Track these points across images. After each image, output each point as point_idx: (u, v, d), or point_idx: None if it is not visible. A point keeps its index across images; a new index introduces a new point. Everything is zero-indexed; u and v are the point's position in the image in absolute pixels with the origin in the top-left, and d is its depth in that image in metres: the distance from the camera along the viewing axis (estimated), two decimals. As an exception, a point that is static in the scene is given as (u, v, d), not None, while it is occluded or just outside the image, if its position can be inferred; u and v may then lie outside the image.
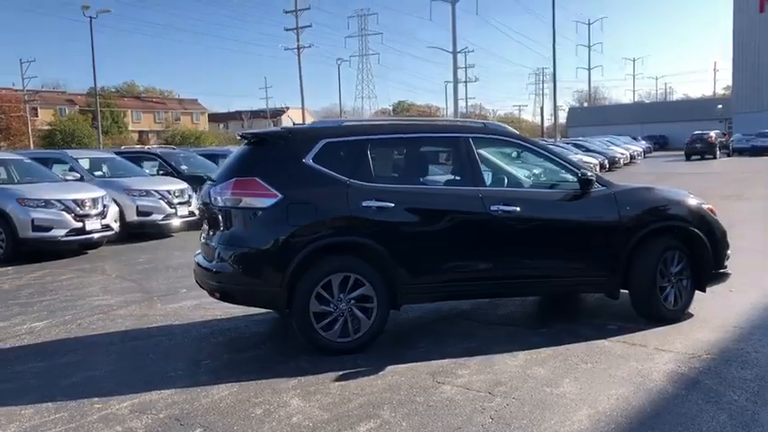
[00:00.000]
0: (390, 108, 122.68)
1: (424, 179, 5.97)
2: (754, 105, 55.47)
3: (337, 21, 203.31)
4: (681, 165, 37.33)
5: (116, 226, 12.10)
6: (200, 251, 6.19)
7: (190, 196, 14.05)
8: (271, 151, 5.61)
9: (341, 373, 4.98)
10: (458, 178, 5.86)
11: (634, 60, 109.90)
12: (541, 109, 76.73)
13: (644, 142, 54.52)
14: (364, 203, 5.46)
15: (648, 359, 5.09)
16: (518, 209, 5.71)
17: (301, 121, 56.31)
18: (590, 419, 4.03)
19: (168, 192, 13.75)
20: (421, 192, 5.76)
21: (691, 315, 6.19)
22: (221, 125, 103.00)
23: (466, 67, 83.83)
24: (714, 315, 6.18)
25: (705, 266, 6.21)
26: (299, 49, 65.06)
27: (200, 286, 6.01)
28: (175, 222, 13.77)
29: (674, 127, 69.81)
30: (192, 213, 13.85)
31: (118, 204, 12.49)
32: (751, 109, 55.44)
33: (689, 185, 19.86)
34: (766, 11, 56.23)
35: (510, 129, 6.31)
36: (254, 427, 4.07)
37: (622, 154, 37.81)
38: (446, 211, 5.66)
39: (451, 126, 6.25)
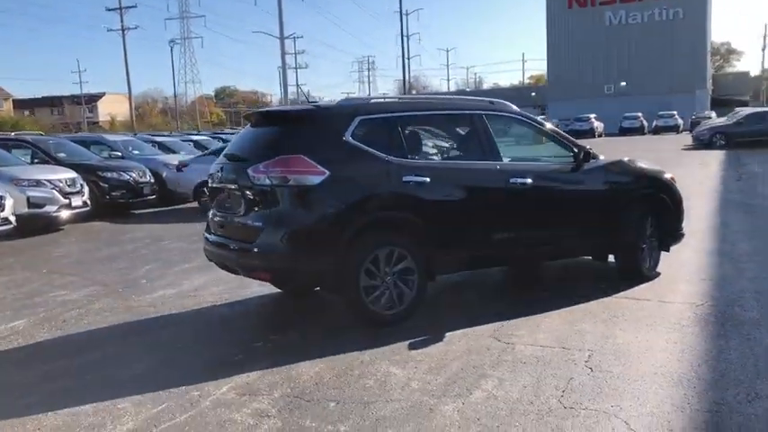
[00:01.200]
0: (213, 93, 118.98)
1: (450, 154, 6.21)
2: (567, 93, 61.06)
3: (160, 2, 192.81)
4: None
5: (13, 219, 10.97)
6: (214, 232, 6.00)
7: (81, 185, 13.04)
8: (310, 128, 5.56)
9: (407, 342, 5.13)
10: (478, 153, 6.17)
11: (447, 51, 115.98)
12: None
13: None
14: (405, 179, 5.61)
15: (663, 309, 5.76)
16: (530, 180, 6.16)
17: (130, 105, 52.13)
18: (672, 360, 4.57)
19: (60, 181, 12.65)
20: (451, 167, 6.01)
21: (659, 273, 6.98)
22: (27, 112, 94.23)
23: (296, 53, 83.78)
24: (676, 272, 7.04)
25: (670, 229, 7.07)
26: (123, 30, 61.34)
27: (228, 269, 5.85)
28: (66, 214, 12.72)
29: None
30: (85, 204, 12.92)
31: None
32: (564, 96, 61.00)
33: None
34: (574, 7, 61.95)
35: (513, 106, 6.73)
36: (385, 396, 4.14)
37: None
38: (473, 185, 5.97)
39: (468, 103, 6.52)
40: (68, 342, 5.63)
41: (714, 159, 23.07)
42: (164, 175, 16.22)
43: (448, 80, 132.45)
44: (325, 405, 4.06)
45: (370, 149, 5.58)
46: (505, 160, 6.34)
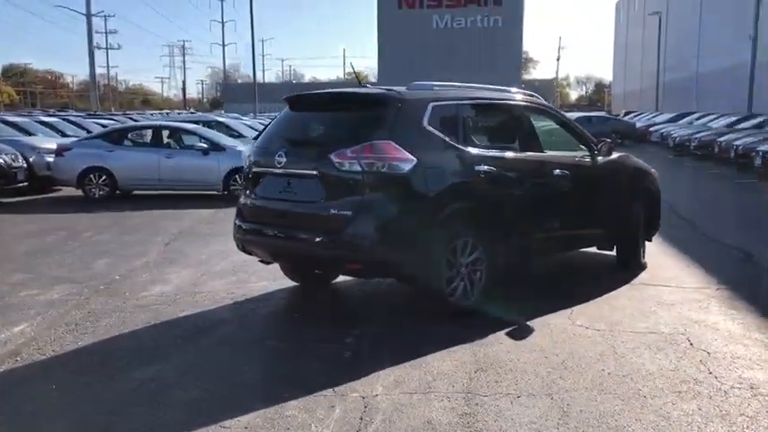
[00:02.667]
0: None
1: (505, 144, 6.17)
2: (397, 91, 62.91)
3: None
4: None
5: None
6: (263, 221, 5.51)
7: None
8: (393, 114, 5.25)
9: (501, 333, 5.06)
10: (527, 144, 6.22)
11: (263, 41, 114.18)
12: (183, 82, 75.63)
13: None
14: (476, 168, 5.53)
15: (686, 294, 6.19)
16: (568, 172, 6.35)
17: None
18: (743, 332, 4.98)
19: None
20: (512, 157, 5.99)
21: (646, 263, 7.47)
22: None
23: (106, 33, 78.19)
24: (660, 261, 7.60)
25: (655, 220, 7.64)
26: None
27: (287, 261, 5.61)
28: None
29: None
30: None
31: None
32: (394, 94, 62.76)
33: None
34: (404, 8, 64.03)
35: (542, 100, 6.84)
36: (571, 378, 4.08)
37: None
38: (527, 176, 6.03)
39: (515, 95, 6.52)
40: (97, 350, 4.85)
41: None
42: (31, 159, 14.36)
43: (263, 70, 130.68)
44: (496, 399, 3.90)
45: (446, 137, 5.43)
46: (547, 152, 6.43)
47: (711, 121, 28.86)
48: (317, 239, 5.13)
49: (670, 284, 6.56)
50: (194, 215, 11.47)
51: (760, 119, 23.81)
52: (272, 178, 5.58)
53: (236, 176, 13.34)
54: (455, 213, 5.37)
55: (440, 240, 5.23)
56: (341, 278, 6.55)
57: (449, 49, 62.93)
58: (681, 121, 32.67)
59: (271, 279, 6.76)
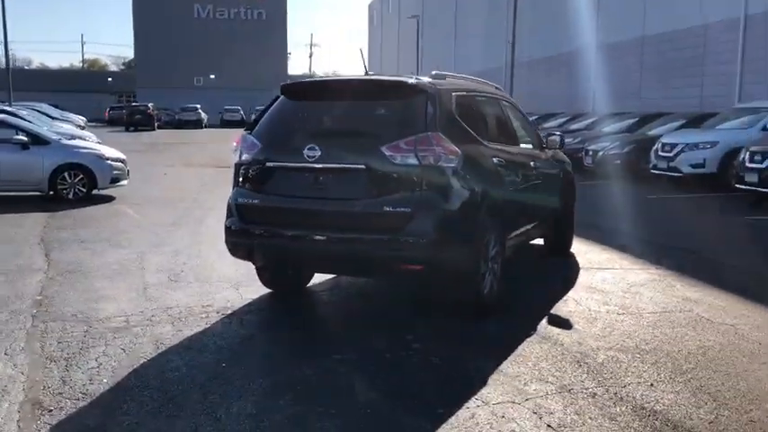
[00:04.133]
0: None
1: (501, 138, 6.10)
2: (158, 82, 59.48)
3: None
4: (124, 135, 37.92)
5: None
6: (286, 223, 4.91)
7: None
8: (430, 103, 4.93)
9: (540, 325, 5.10)
10: (513, 137, 6.28)
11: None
12: None
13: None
14: (494, 161, 5.49)
15: (642, 274, 6.78)
16: (539, 165, 6.59)
17: None
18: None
19: None
20: (512, 151, 5.99)
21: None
22: None
23: None
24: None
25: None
26: None
27: (316, 268, 5.25)
28: None
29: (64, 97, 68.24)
30: None
31: None
32: (154, 85, 59.28)
33: (175, 156, 22.01)
34: None
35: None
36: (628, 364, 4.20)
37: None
38: (520, 169, 6.11)
39: (499, 89, 6.49)
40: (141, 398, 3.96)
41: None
42: None
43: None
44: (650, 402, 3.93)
45: (470, 130, 5.29)
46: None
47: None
48: (367, 240, 4.67)
49: (615, 267, 7.10)
50: (31, 220, 9.76)
51: (591, 119, 26.36)
52: (295, 174, 4.96)
53: (66, 174, 11.64)
54: (487, 207, 5.24)
55: (482, 235, 5.09)
56: (314, 281, 6.12)
57: (213, 39, 60.94)
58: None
59: (232, 286, 6.07)
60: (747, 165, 11.59)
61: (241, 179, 5.23)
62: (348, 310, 5.67)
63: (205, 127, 47.53)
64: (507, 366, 4.21)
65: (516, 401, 3.70)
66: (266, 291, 5.91)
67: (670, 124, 16.94)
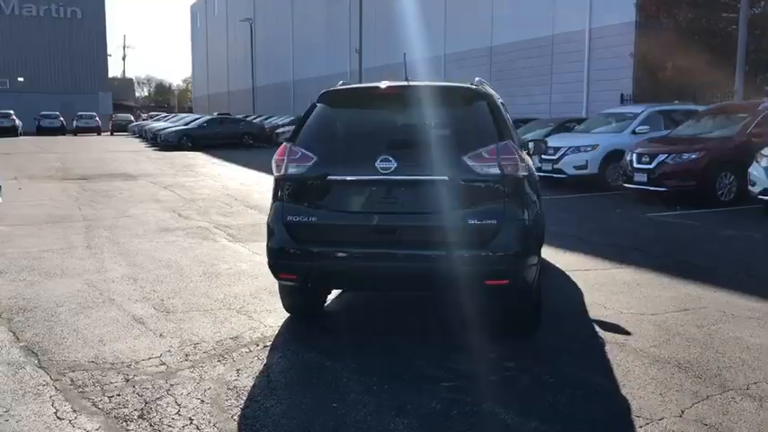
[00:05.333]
0: None
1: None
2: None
3: None
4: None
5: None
6: (342, 241, 4.57)
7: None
8: (492, 111, 4.79)
9: (591, 327, 5.18)
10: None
11: None
12: None
13: None
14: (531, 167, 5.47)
15: (604, 274, 7.13)
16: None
17: None
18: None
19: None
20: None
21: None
22: None
23: None
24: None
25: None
26: None
27: (396, 287, 4.82)
28: None
29: None
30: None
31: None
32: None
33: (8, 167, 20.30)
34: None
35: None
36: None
37: None
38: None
39: None
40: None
41: (205, 159, 24.75)
42: None
43: None
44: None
45: (514, 136, 5.22)
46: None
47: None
48: (450, 256, 4.42)
49: (589, 268, 7.38)
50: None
51: None
52: (362, 188, 4.58)
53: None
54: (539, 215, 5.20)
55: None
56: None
57: (19, 38, 55.37)
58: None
59: (236, 312, 5.54)
60: (635, 165, 12.65)
61: (289, 195, 4.73)
62: (387, 331, 5.34)
63: (20, 135, 42.95)
64: (622, 377, 4.18)
65: (676, 414, 3.68)
66: (275, 313, 5.51)
67: (539, 129, 18.02)
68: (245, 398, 3.91)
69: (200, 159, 25.09)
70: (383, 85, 5.01)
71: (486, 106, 4.76)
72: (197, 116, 36.78)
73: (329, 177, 4.58)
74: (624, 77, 20.35)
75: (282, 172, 4.74)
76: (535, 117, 20.04)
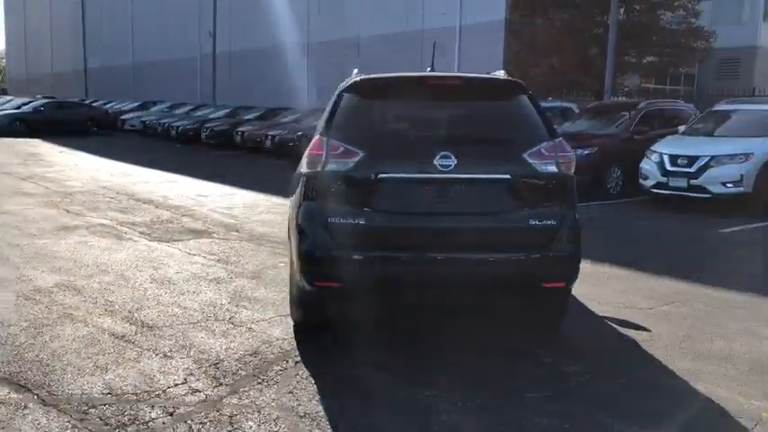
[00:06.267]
0: None
1: None
2: None
3: None
4: None
5: None
6: (394, 245, 4.21)
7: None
8: (537, 105, 4.60)
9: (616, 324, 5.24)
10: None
11: None
12: None
13: None
14: None
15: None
16: None
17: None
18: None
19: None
20: None
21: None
22: None
23: None
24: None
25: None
26: None
27: (441, 292, 4.47)
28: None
29: None
30: None
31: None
32: None
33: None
34: None
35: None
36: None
37: None
38: None
39: None
40: None
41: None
42: None
43: None
44: None
45: None
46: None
47: (191, 110, 30.07)
48: (512, 258, 4.19)
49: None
50: None
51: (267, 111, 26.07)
52: (416, 187, 4.21)
53: None
54: None
55: None
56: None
57: None
58: (152, 109, 32.85)
59: (236, 325, 4.97)
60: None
61: (330, 194, 4.24)
62: (410, 336, 5.00)
63: None
64: (689, 377, 4.20)
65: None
66: (276, 324, 5.04)
67: None
68: (329, 427, 3.44)
69: (43, 147, 22.61)
70: (422, 75, 4.66)
71: (527, 99, 4.57)
72: (29, 99, 33.06)
73: (381, 175, 4.17)
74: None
75: (320, 168, 4.24)
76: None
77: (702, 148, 11.21)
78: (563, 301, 4.75)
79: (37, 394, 3.71)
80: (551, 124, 4.54)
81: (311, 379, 4.02)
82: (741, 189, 10.70)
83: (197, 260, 7.08)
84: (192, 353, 4.40)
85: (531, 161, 4.24)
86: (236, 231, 8.84)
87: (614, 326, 5.18)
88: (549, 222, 4.25)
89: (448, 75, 4.72)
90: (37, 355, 4.28)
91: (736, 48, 24.53)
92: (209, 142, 24.45)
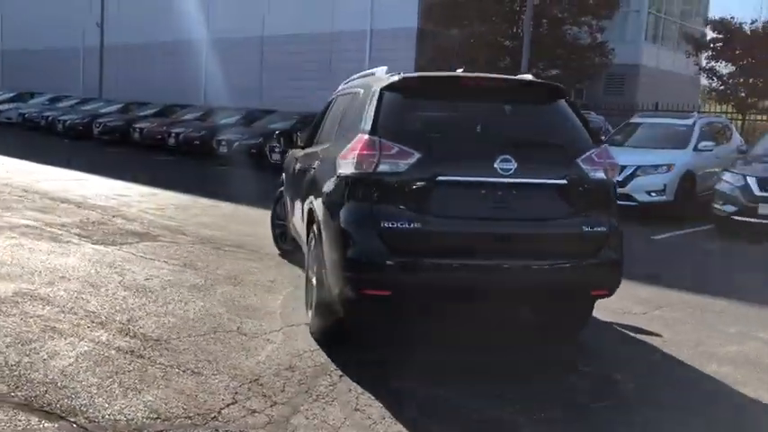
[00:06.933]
0: None
1: None
2: None
3: None
4: None
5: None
6: (450, 251, 4.06)
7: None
8: (572, 108, 4.57)
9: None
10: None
11: None
12: None
13: None
14: None
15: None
16: None
17: None
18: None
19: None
20: None
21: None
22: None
23: None
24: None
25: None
26: None
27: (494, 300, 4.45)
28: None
29: None
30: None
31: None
32: None
33: None
34: None
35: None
36: None
37: None
38: None
39: None
40: None
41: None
42: None
43: None
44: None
45: None
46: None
47: (77, 103, 28.08)
48: (567, 265, 4.14)
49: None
50: None
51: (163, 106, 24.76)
52: (475, 191, 4.05)
53: None
54: None
55: None
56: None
57: None
58: (31, 101, 30.37)
59: (253, 337, 4.61)
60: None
61: (382, 197, 3.99)
62: (444, 349, 4.82)
63: None
64: (725, 377, 4.31)
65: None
66: (293, 334, 4.73)
67: (282, 122, 18.44)
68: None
69: None
70: (468, 75, 4.52)
71: (566, 103, 4.55)
72: None
73: (439, 178, 3.98)
74: (406, 80, 21.23)
75: (371, 169, 3.98)
76: (276, 109, 20.40)
77: (627, 158, 11.60)
78: (591, 309, 4.76)
79: (74, 422, 3.22)
80: (592, 130, 4.53)
81: (368, 394, 3.76)
82: (664, 198, 11.30)
83: (160, 265, 6.55)
84: (220, 368, 4.01)
85: (583, 167, 4.21)
86: (183, 234, 8.28)
87: (625, 331, 5.26)
88: (599, 229, 4.23)
89: (493, 76, 4.61)
90: (46, 376, 3.73)
91: (621, 65, 26.13)
92: (103, 138, 22.94)
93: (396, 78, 4.34)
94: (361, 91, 4.67)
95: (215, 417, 3.37)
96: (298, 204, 5.56)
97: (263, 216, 8.30)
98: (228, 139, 18.37)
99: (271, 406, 3.54)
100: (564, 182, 4.17)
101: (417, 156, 3.97)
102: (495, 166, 3.99)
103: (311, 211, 4.78)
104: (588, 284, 4.26)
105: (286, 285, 6.07)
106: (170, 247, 7.44)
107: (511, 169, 4.01)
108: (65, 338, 4.35)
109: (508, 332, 5.16)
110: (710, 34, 20.99)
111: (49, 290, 5.43)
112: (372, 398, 3.71)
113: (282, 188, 7.34)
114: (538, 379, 4.19)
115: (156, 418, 3.32)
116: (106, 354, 4.12)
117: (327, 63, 23.56)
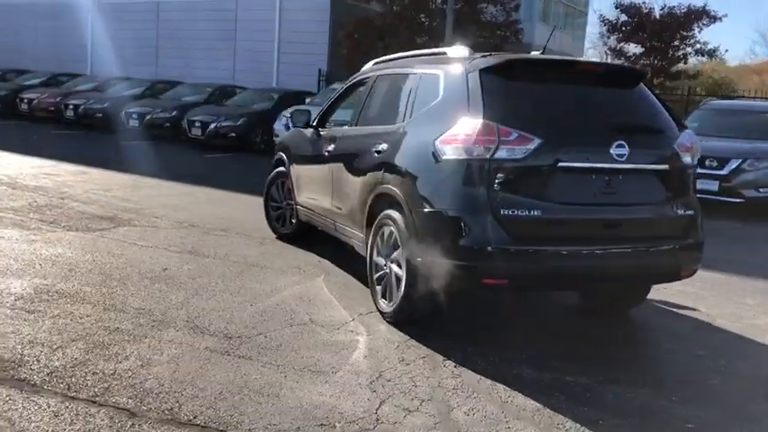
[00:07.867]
0: None
1: None
2: None
3: None
4: None
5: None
6: (565, 238, 4.08)
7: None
8: (652, 92, 4.63)
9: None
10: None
11: None
12: None
13: None
14: None
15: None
16: None
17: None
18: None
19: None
20: None
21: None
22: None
23: None
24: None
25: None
26: None
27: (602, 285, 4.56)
28: None
29: None
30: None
31: None
32: None
33: None
34: None
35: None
36: None
37: None
38: None
39: None
40: None
41: None
42: None
43: None
44: None
45: None
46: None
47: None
48: (667, 248, 4.25)
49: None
50: None
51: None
52: (589, 176, 4.03)
53: None
54: None
55: None
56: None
57: None
58: None
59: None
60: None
61: (501, 183, 3.87)
62: (520, 337, 4.80)
63: None
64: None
65: None
66: (372, 325, 4.55)
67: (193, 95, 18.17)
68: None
69: None
70: (567, 59, 4.49)
71: (645, 87, 4.60)
72: None
73: (560, 164, 3.93)
74: (319, 53, 20.78)
75: (488, 155, 3.86)
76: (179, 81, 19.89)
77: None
78: (650, 289, 4.94)
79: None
80: (674, 114, 4.65)
81: (502, 385, 3.68)
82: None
83: (163, 253, 6.07)
84: (335, 365, 3.78)
85: (679, 151, 4.31)
86: (156, 218, 7.68)
87: (666, 307, 5.47)
88: (690, 212, 4.38)
89: (590, 60, 4.62)
90: (161, 385, 3.35)
91: (525, 44, 26.94)
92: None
93: (496, 60, 4.22)
94: (439, 72, 4.50)
95: (378, 419, 3.17)
96: (344, 188, 5.30)
97: (221, 196, 7.97)
98: (139, 111, 17.38)
99: (420, 403, 3.38)
100: (666, 167, 4.26)
101: (538, 141, 3.89)
102: (611, 151, 4.00)
103: (380, 197, 4.58)
104: (680, 266, 4.40)
105: (314, 271, 5.82)
106: (156, 233, 6.91)
107: (624, 155, 4.04)
108: (140, 341, 3.93)
109: (559, 319, 5.23)
110: (622, 17, 22.10)
111: (70, 285, 4.89)
112: (508, 389, 3.63)
113: (280, 169, 6.98)
114: (635, 360, 4.28)
115: (320, 424, 3.08)
116: (204, 357, 3.77)
117: (233, 33, 22.59)
